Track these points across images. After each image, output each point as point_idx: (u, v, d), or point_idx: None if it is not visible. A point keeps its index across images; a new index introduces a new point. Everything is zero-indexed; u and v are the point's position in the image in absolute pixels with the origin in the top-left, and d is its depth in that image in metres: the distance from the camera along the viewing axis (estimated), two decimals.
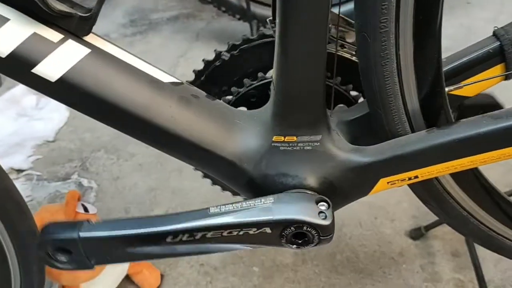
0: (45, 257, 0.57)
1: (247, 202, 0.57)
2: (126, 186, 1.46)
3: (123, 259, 0.59)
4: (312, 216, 0.56)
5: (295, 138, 0.59)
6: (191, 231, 0.56)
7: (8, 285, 0.75)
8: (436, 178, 0.66)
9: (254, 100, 0.71)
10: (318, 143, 0.59)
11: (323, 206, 0.58)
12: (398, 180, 0.60)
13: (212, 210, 0.57)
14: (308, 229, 0.56)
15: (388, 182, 0.60)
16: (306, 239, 0.58)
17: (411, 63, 0.56)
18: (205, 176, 0.80)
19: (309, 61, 0.53)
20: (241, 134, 0.60)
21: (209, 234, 0.56)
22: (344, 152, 0.60)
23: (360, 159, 0.59)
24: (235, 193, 0.78)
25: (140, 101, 0.55)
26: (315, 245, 0.59)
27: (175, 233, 0.55)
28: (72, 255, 0.57)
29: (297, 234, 0.58)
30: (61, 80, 0.51)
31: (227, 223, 0.56)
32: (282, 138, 0.59)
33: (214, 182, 0.80)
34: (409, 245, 1.23)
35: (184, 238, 0.56)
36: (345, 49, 0.65)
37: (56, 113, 1.73)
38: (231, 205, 0.57)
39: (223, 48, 0.68)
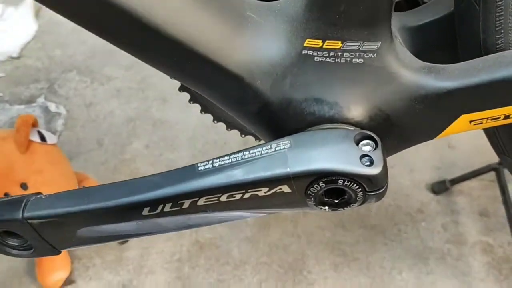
0: None
1: (251, 151, 0.38)
2: (100, 114, 1.24)
3: (93, 241, 0.43)
4: (349, 163, 0.36)
5: (339, 44, 0.37)
6: (174, 198, 0.38)
7: None
8: None
9: None
10: (375, 55, 0.38)
11: (367, 147, 0.38)
12: (488, 118, 0.40)
13: (201, 166, 0.39)
14: (346, 183, 0.37)
15: (471, 121, 0.40)
16: (346, 197, 0.39)
17: None
18: (192, 99, 0.59)
19: None
20: (255, 34, 0.39)
21: (201, 201, 0.38)
22: (412, 71, 0.39)
23: (436, 82, 0.39)
24: (256, 137, 0.58)
25: None
26: (360, 204, 0.40)
27: (153, 203, 0.38)
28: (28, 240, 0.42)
29: (332, 190, 0.38)
30: None
31: (224, 184, 0.37)
32: (320, 43, 0.38)
33: (205, 110, 0.59)
34: (430, 200, 1.05)
35: (167, 209, 0.38)
36: None
37: (22, 26, 1.49)
38: (228, 157, 0.38)
39: None
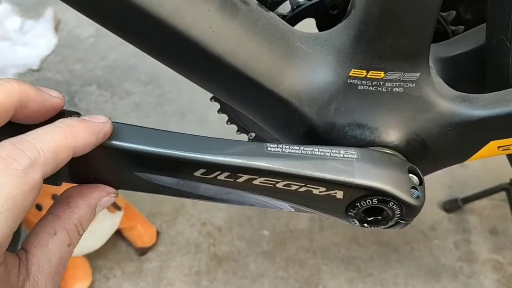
0: None
1: (320, 149, 0.40)
2: None
3: (117, 184, 0.37)
4: (403, 191, 0.40)
5: (382, 74, 0.41)
6: (237, 170, 0.37)
7: None
8: None
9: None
10: (414, 85, 0.41)
11: (414, 179, 0.41)
12: None
13: (271, 148, 0.39)
14: (393, 206, 0.40)
15: (499, 147, 0.44)
16: (380, 218, 0.42)
17: None
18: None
19: None
20: (304, 63, 0.42)
21: (257, 181, 0.38)
22: (447, 100, 0.42)
23: (469, 111, 0.42)
24: None
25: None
26: (388, 227, 0.43)
27: (213, 167, 0.37)
28: None
29: (372, 208, 0.41)
30: None
31: (290, 172, 0.38)
32: (364, 73, 0.41)
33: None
34: (442, 218, 1.08)
35: (221, 177, 0.38)
36: None
37: (42, 39, 1.52)
38: (298, 147, 0.39)
39: None
